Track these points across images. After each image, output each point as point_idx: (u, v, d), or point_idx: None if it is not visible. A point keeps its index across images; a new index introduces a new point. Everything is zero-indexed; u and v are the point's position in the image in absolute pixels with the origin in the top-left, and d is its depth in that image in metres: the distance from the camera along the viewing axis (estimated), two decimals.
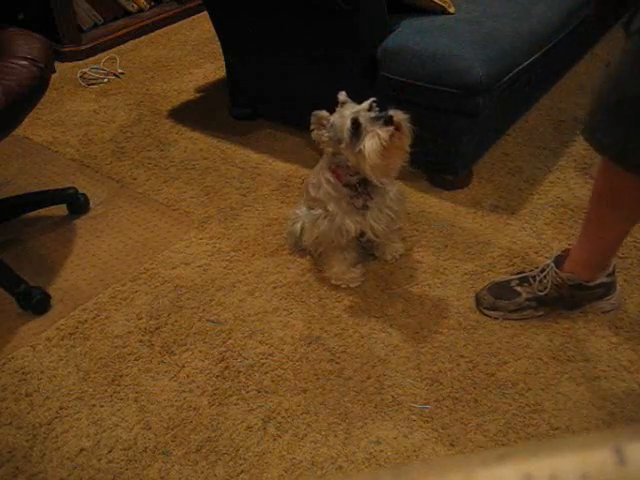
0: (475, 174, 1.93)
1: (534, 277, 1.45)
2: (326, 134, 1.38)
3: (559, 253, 1.44)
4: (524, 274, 1.49)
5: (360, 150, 1.31)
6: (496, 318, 1.47)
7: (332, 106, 1.40)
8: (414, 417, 1.27)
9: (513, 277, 1.50)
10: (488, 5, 1.93)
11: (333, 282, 1.58)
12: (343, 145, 1.35)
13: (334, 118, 1.37)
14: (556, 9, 1.99)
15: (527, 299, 1.45)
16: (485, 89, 1.66)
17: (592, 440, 0.26)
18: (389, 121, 1.28)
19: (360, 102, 1.37)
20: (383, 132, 1.28)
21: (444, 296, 1.54)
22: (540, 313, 1.46)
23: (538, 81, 2.16)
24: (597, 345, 1.40)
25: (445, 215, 1.80)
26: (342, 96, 1.39)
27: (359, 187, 1.44)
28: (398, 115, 1.30)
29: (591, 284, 1.41)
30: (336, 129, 1.35)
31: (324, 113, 1.38)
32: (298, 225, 1.60)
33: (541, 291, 1.43)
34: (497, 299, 1.47)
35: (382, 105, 1.34)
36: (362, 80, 1.84)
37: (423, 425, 1.25)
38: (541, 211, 1.80)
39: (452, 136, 1.80)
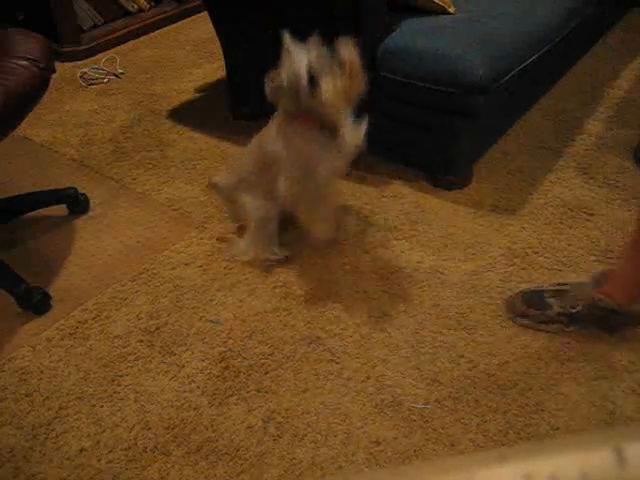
0: (475, 174, 1.93)
1: (568, 292, 1.40)
2: (282, 84, 1.34)
3: (599, 272, 1.39)
4: (560, 287, 1.43)
5: (319, 95, 1.30)
6: (526, 326, 1.43)
7: None
8: (414, 417, 1.27)
9: (548, 287, 1.45)
10: (488, 5, 1.93)
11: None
12: (302, 94, 1.32)
13: (285, 71, 1.33)
14: (556, 9, 1.99)
15: (558, 313, 1.40)
16: (485, 89, 1.65)
17: (592, 440, 0.26)
18: (342, 65, 1.28)
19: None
20: (338, 77, 1.28)
21: (444, 296, 1.54)
22: (570, 329, 1.40)
23: (538, 81, 2.16)
24: (597, 345, 1.40)
25: (445, 215, 1.79)
26: (287, 40, 1.33)
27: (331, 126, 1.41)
28: (349, 54, 1.29)
29: (625, 310, 1.34)
30: (290, 81, 1.32)
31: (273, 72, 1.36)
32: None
33: (573, 308, 1.38)
34: (528, 307, 1.42)
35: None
36: None
37: (423, 425, 1.25)
38: (541, 211, 1.80)
39: (452, 136, 1.80)
